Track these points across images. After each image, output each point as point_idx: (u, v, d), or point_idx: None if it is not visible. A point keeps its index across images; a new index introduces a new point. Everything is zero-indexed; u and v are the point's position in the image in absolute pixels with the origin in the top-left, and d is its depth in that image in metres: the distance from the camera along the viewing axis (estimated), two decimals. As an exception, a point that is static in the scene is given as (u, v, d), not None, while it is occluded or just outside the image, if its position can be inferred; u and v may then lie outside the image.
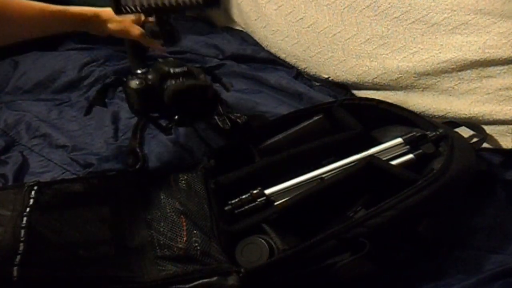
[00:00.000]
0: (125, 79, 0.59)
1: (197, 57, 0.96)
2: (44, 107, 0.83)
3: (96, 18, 0.59)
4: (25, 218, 0.52)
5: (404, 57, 0.73)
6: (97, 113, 0.81)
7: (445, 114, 0.71)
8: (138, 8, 0.53)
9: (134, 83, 0.57)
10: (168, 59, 0.62)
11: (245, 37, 1.00)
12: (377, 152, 0.57)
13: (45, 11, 0.54)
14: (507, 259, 0.51)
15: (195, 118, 0.64)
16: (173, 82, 0.57)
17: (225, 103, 0.82)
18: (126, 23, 0.60)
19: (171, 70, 0.58)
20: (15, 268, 0.46)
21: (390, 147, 0.57)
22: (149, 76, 0.58)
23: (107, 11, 0.59)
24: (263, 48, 0.96)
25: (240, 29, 1.03)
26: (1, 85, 0.90)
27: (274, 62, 0.93)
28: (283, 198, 0.55)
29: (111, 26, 0.60)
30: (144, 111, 0.60)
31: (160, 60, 0.62)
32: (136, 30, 0.61)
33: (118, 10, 0.53)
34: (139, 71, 0.60)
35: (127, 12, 0.53)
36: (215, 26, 1.09)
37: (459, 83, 0.69)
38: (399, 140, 0.58)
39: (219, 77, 0.66)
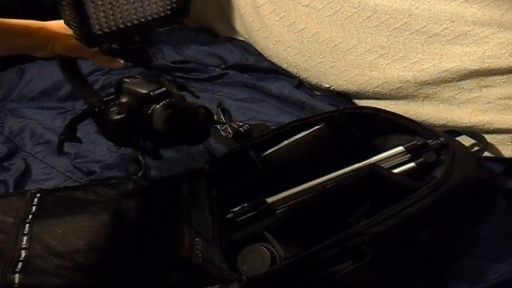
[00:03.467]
0: (96, 110, 0.52)
1: (200, 67, 0.97)
2: (48, 115, 0.84)
3: (44, 31, 0.48)
4: (27, 225, 0.52)
5: (405, 67, 0.74)
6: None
7: (446, 123, 0.72)
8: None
9: (114, 114, 0.50)
10: (136, 78, 0.54)
11: (247, 47, 1.01)
12: (379, 161, 0.57)
13: None
14: (510, 268, 0.51)
15: (188, 141, 0.56)
16: (157, 106, 0.50)
17: (227, 112, 0.83)
18: None
19: (151, 93, 0.51)
20: (17, 275, 0.46)
21: (392, 156, 0.58)
22: (123, 100, 0.51)
23: (55, 24, 0.49)
24: (265, 58, 0.97)
25: (243, 39, 1.04)
26: (7, 93, 0.91)
27: (276, 71, 0.94)
28: (285, 206, 0.55)
29: (65, 41, 0.49)
30: (128, 140, 0.55)
31: (127, 80, 0.54)
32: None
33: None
34: (108, 98, 0.52)
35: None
36: (218, 37, 1.11)
37: (460, 92, 0.70)
38: (400, 148, 0.58)
39: (184, 85, 0.60)
